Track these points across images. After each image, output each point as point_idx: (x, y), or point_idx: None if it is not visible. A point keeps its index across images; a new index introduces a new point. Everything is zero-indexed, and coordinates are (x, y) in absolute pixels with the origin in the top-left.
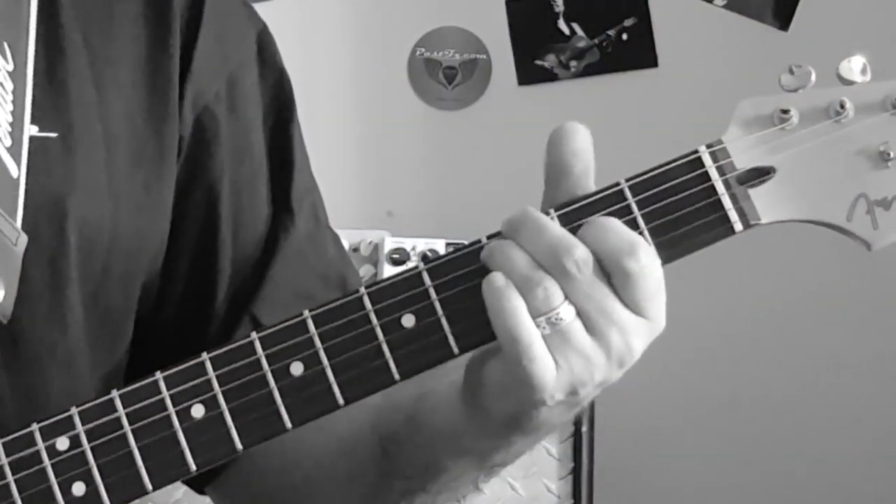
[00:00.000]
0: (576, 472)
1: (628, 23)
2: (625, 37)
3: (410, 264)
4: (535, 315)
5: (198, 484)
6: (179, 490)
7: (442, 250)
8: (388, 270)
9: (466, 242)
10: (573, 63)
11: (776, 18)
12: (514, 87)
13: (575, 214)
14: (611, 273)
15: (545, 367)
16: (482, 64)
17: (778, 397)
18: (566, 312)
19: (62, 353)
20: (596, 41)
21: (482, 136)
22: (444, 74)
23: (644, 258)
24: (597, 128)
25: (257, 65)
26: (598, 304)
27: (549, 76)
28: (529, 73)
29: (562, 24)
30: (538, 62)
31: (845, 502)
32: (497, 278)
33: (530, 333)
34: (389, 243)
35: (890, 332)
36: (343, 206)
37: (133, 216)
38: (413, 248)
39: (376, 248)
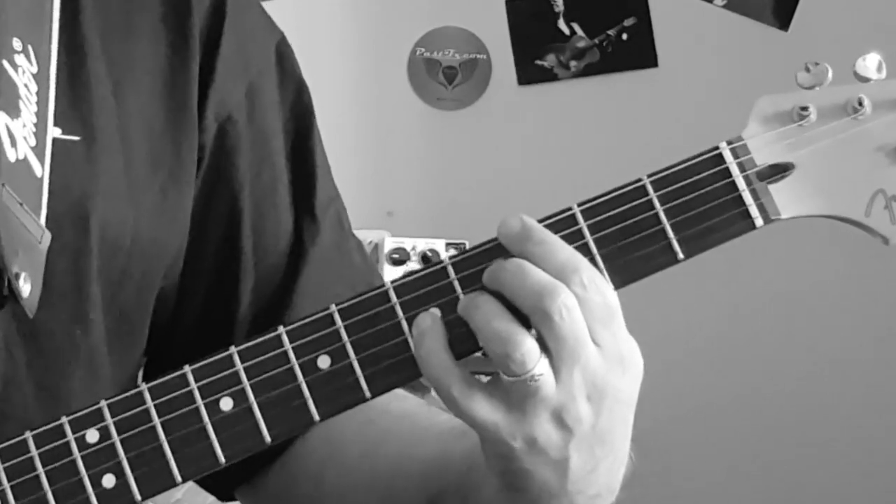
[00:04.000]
0: None
1: (628, 23)
2: (625, 37)
3: (410, 264)
4: (510, 375)
5: (225, 488)
6: (180, 490)
7: (442, 250)
8: (388, 270)
9: (466, 242)
10: (573, 63)
11: (776, 18)
12: (514, 87)
13: (598, 209)
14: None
15: (485, 415)
16: (482, 64)
17: (779, 398)
18: (540, 369)
19: (84, 352)
20: (596, 41)
21: (482, 136)
22: (444, 74)
23: (567, 300)
24: (597, 128)
25: (277, 74)
26: (572, 350)
27: (549, 76)
28: (529, 73)
29: (562, 24)
30: (538, 62)
31: (846, 501)
32: (423, 319)
33: (461, 390)
34: (389, 243)
35: (893, 330)
36: None
37: (151, 221)
38: (413, 248)
39: (376, 248)
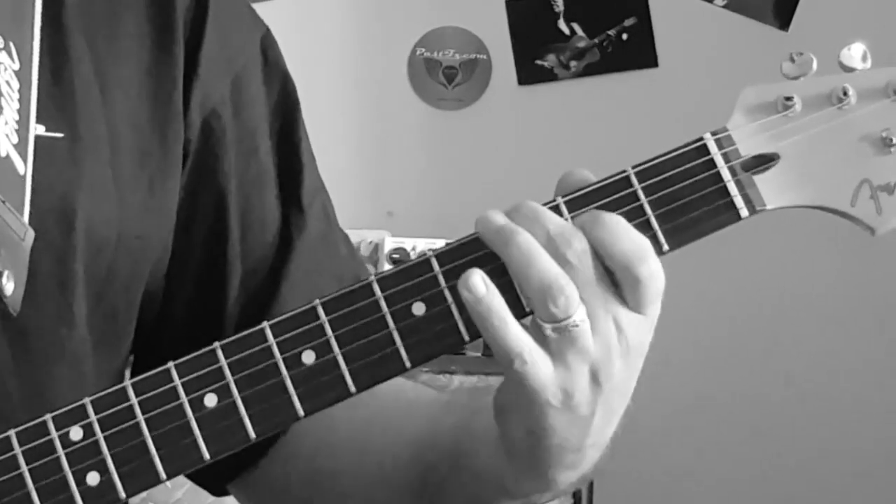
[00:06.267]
0: None
1: (628, 23)
2: (625, 37)
3: None
4: (548, 321)
5: (217, 483)
6: (180, 490)
7: None
8: None
9: None
10: (573, 63)
11: (776, 18)
12: (514, 87)
13: (582, 201)
14: (620, 278)
15: (540, 368)
16: (482, 64)
17: (779, 397)
18: (580, 315)
19: (69, 351)
20: (596, 41)
21: (482, 136)
22: (444, 74)
23: (653, 264)
24: (597, 128)
25: (261, 67)
26: (603, 301)
27: (549, 76)
28: (529, 73)
29: (562, 24)
30: (538, 62)
31: (847, 501)
32: (476, 283)
33: (521, 341)
34: (389, 243)
35: (891, 328)
36: (343, 206)
37: (138, 218)
38: (413, 248)
39: (376, 248)
